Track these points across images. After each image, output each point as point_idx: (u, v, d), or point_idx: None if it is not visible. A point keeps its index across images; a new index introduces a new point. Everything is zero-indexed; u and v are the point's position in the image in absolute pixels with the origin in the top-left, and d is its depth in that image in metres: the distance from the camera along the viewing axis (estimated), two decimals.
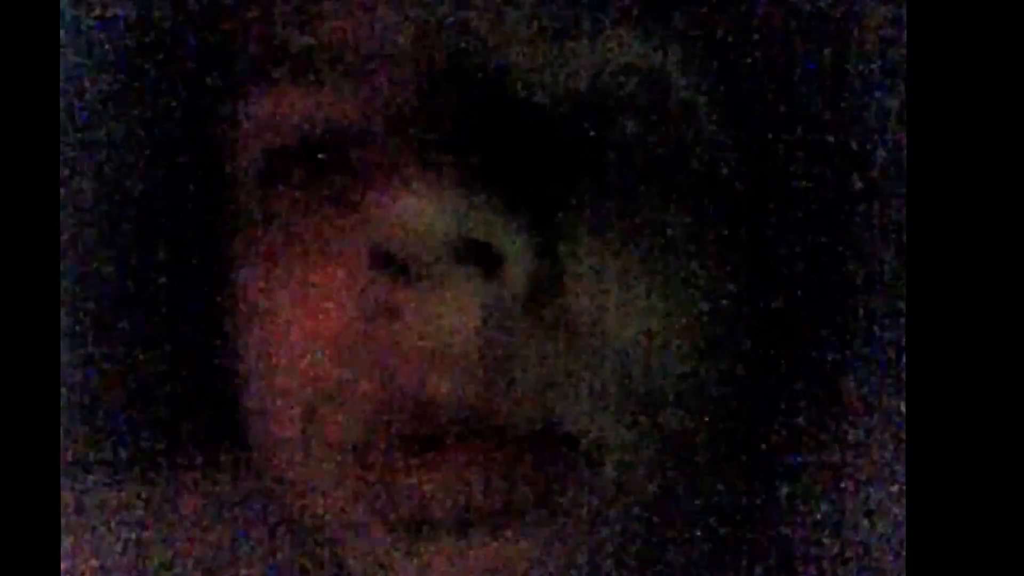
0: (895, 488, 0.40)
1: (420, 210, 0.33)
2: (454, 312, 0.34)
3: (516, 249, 0.34)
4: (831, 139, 0.40)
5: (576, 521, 0.36)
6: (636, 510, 0.37)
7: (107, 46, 0.40)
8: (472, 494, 0.35)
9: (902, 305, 0.37)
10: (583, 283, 0.36)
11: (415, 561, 0.36)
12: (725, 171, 0.38)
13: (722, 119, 0.38)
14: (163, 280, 0.42)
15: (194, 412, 0.43)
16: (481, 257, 0.34)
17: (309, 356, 0.37)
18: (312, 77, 0.37)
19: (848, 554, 0.40)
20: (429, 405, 0.35)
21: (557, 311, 0.36)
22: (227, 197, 0.40)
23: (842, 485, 0.40)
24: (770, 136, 0.40)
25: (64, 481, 0.41)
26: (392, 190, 0.34)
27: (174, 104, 0.41)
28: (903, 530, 0.34)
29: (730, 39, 0.38)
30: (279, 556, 0.42)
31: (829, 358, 0.41)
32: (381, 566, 0.37)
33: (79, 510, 0.43)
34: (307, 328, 0.37)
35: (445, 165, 0.34)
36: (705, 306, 0.37)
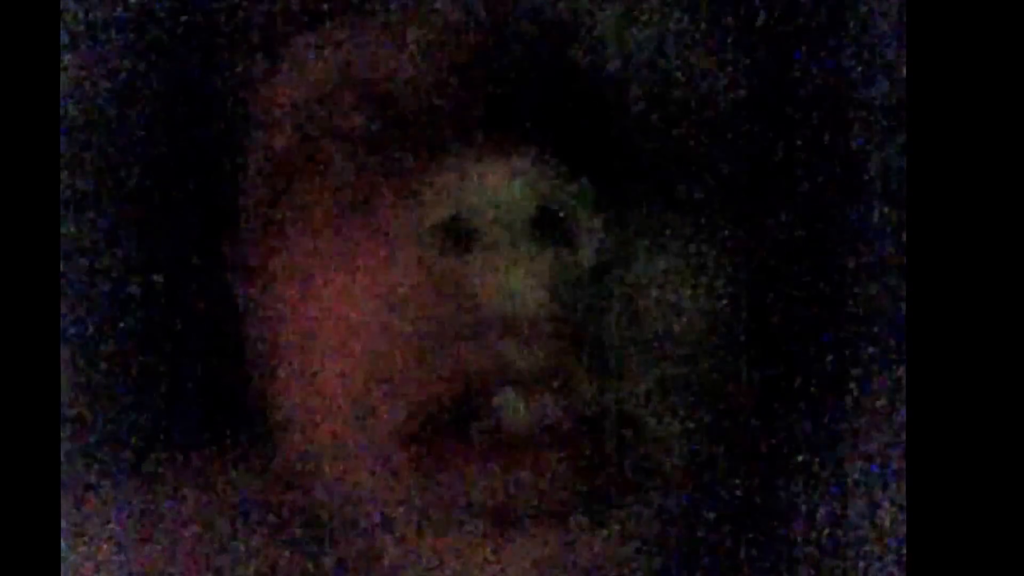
0: (895, 488, 0.40)
1: (496, 180, 0.33)
2: (525, 283, 0.34)
3: (588, 220, 0.34)
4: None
5: (636, 516, 0.36)
6: (690, 501, 0.37)
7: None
8: (538, 488, 0.35)
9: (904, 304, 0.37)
10: (651, 258, 0.36)
11: (478, 551, 0.35)
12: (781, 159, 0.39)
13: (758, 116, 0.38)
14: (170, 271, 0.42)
15: (200, 409, 0.43)
16: (554, 227, 0.34)
17: (360, 339, 0.36)
18: (360, 18, 0.37)
19: (848, 554, 0.40)
20: (493, 376, 0.35)
21: (625, 285, 0.35)
22: (261, 172, 0.39)
23: (842, 486, 0.40)
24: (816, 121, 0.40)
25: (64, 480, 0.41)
26: (465, 160, 0.33)
27: (202, 65, 0.41)
28: (903, 530, 0.34)
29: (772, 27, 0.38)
30: (285, 555, 0.42)
31: (832, 356, 0.41)
32: (462, 557, 0.36)
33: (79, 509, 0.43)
34: (360, 308, 0.36)
35: (516, 135, 0.34)
36: (759, 298, 0.37)
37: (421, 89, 0.37)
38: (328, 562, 0.40)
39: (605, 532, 0.36)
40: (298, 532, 0.42)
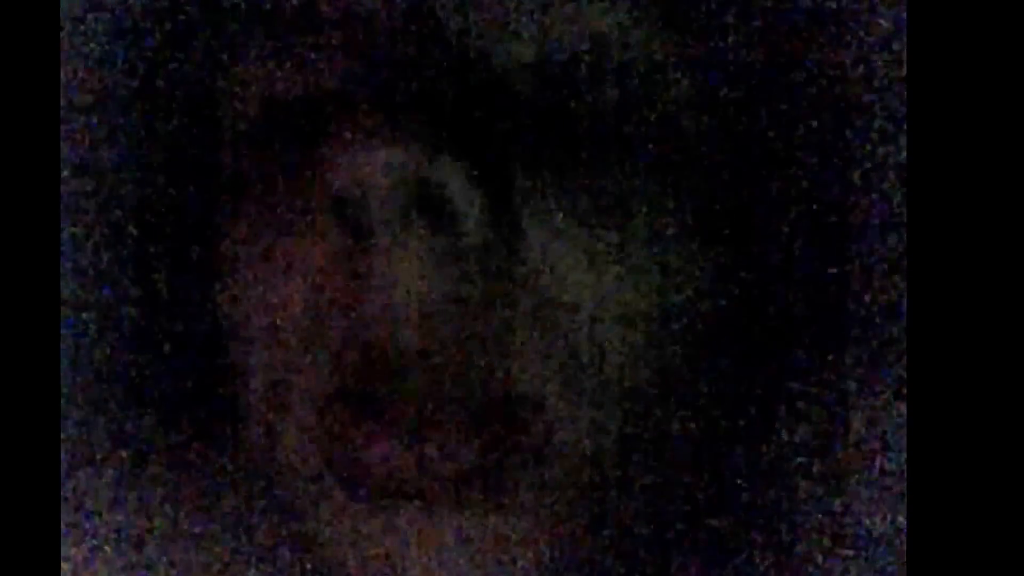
0: (895, 488, 0.40)
1: (374, 159, 0.34)
2: (411, 264, 0.35)
3: (469, 196, 0.35)
4: (810, 105, 0.40)
5: (543, 491, 0.36)
6: (596, 478, 0.37)
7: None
8: (439, 462, 0.35)
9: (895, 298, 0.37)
10: (543, 245, 0.36)
11: (389, 532, 0.36)
12: (695, 143, 0.38)
13: (692, 87, 0.38)
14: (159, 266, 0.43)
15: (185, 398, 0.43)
16: (436, 209, 0.34)
17: (278, 320, 0.37)
18: (290, 42, 0.37)
19: (848, 554, 0.40)
20: (389, 359, 0.35)
21: (515, 270, 0.36)
22: (214, 169, 0.40)
23: (843, 486, 0.40)
24: (744, 107, 0.39)
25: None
26: (349, 142, 0.34)
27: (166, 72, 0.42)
28: (903, 531, 0.34)
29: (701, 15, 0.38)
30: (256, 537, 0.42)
31: (817, 349, 0.41)
32: (353, 537, 0.37)
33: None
34: (278, 292, 0.37)
35: (401, 118, 0.34)
36: (666, 280, 0.37)
37: (308, 79, 0.38)
38: (268, 540, 0.41)
39: (508, 510, 0.36)
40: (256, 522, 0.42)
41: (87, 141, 0.42)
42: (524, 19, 0.36)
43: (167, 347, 0.43)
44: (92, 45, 0.41)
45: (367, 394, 0.36)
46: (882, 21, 0.39)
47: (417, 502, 0.36)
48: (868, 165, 0.40)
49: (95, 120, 0.42)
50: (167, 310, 0.43)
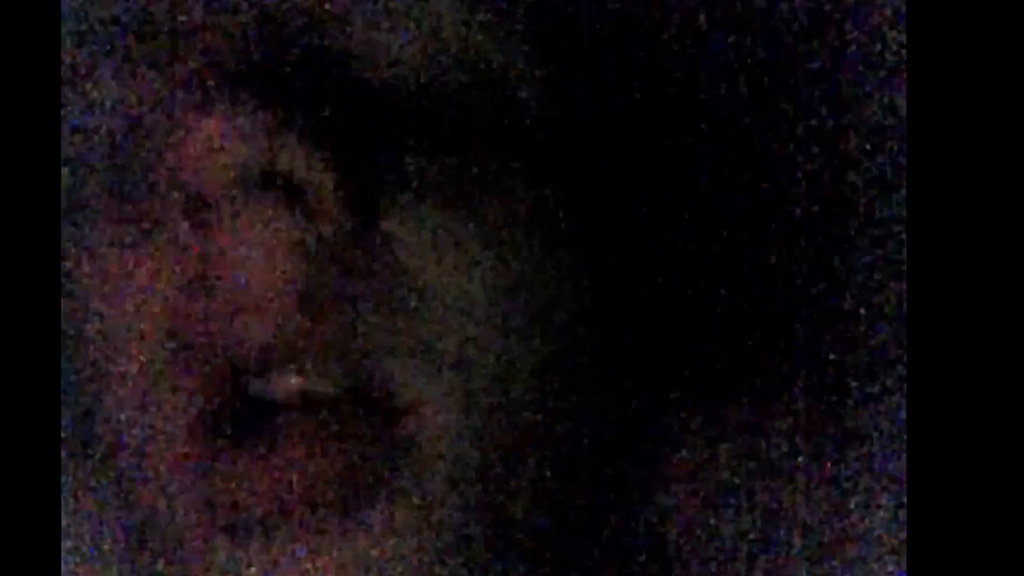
0: (895, 487, 0.40)
1: (210, 142, 0.33)
2: (261, 248, 0.34)
3: (323, 183, 0.34)
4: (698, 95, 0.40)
5: (410, 504, 0.35)
6: (462, 481, 0.35)
7: None
8: (308, 489, 0.34)
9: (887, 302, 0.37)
10: (403, 234, 0.35)
11: (256, 566, 0.35)
12: (559, 130, 0.37)
13: (549, 87, 0.37)
14: None
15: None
16: (287, 191, 0.34)
17: (136, 327, 0.35)
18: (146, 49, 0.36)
19: (848, 553, 0.40)
20: (244, 354, 0.34)
21: (374, 259, 0.35)
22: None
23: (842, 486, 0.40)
24: (606, 106, 0.39)
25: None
26: (185, 128, 0.33)
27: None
28: (903, 531, 0.34)
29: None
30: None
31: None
32: (218, 563, 0.35)
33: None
34: (135, 296, 0.35)
35: (249, 99, 0.33)
36: (531, 277, 0.36)
37: (162, 60, 0.36)
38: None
39: (381, 521, 0.35)
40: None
41: None
42: (378, 2, 0.36)
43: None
44: None
45: (224, 404, 0.35)
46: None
47: (283, 526, 0.34)
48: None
49: None
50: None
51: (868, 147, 0.40)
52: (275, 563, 0.34)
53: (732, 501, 0.40)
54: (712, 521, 0.40)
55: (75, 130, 0.37)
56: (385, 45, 0.36)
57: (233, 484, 0.34)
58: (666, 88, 0.39)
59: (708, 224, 0.40)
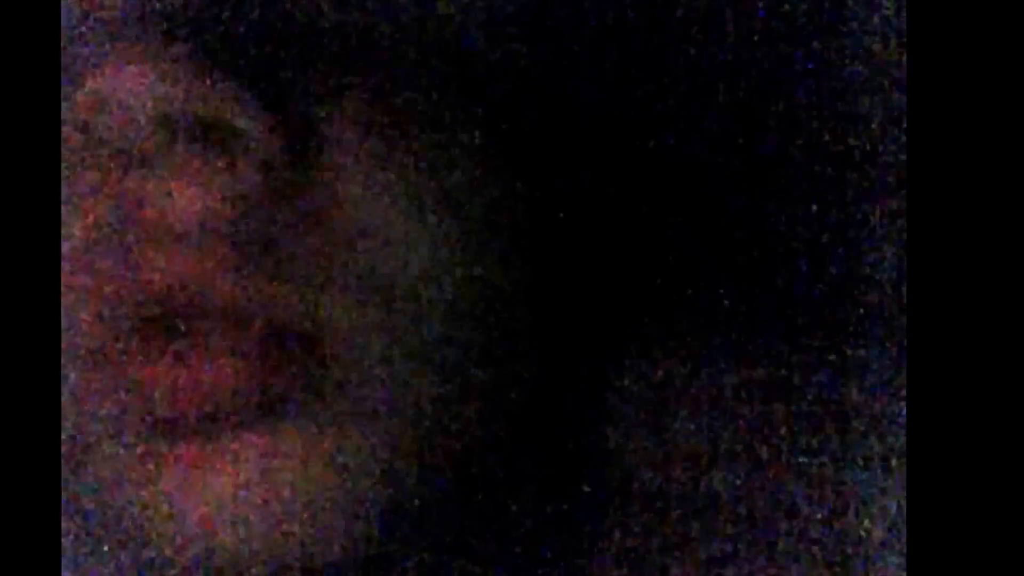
0: (895, 486, 0.40)
1: (124, 84, 0.32)
2: (189, 194, 0.33)
3: (251, 128, 0.33)
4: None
5: (326, 418, 0.35)
6: (377, 416, 0.35)
7: None
8: (219, 391, 0.34)
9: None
10: (337, 176, 0.34)
11: (162, 467, 0.35)
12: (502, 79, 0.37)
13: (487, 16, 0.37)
14: None
15: None
16: (214, 137, 0.33)
17: (67, 262, 0.35)
18: None
19: (848, 554, 0.40)
20: (170, 291, 0.34)
21: (307, 201, 0.34)
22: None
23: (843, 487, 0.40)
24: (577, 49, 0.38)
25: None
26: (103, 69, 0.33)
27: None
28: (903, 532, 0.34)
29: None
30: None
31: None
32: (130, 472, 0.35)
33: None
34: (69, 236, 0.35)
35: (166, 42, 0.33)
36: (471, 215, 0.36)
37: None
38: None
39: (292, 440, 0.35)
40: None
41: None
42: None
43: None
44: None
45: (146, 325, 0.34)
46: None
47: (197, 436, 0.34)
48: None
49: None
50: None
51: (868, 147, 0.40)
52: (181, 470, 0.34)
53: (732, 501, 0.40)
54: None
55: None
56: None
57: (145, 390, 0.34)
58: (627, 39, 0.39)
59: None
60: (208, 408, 0.34)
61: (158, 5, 0.34)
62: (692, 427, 0.38)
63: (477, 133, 0.36)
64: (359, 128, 0.35)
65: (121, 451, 0.35)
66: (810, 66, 0.39)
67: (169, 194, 0.33)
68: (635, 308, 0.40)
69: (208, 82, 0.33)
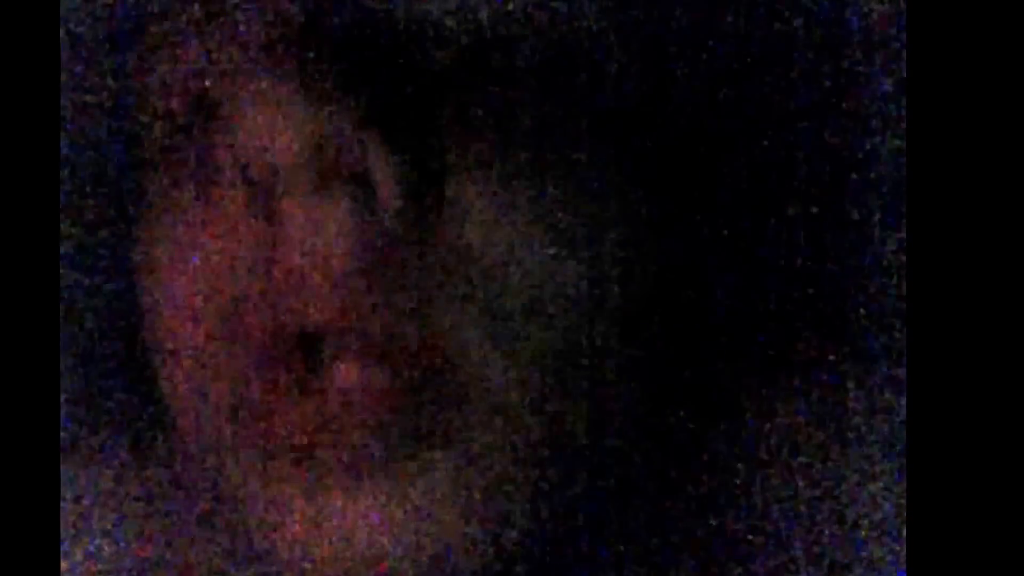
0: (895, 490, 0.40)
1: (274, 123, 0.33)
2: (327, 229, 0.34)
3: (384, 164, 0.34)
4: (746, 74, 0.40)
5: (468, 456, 0.35)
6: (522, 443, 0.36)
7: None
8: (363, 433, 0.34)
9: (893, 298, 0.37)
10: (467, 211, 0.35)
11: (312, 504, 0.35)
12: (633, 115, 0.37)
13: (630, 58, 0.37)
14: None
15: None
16: (350, 172, 0.34)
17: (199, 293, 0.36)
18: (204, 29, 0.36)
19: (848, 557, 0.40)
20: (310, 329, 0.34)
21: (439, 236, 0.35)
22: (138, 161, 0.39)
23: (842, 488, 0.40)
24: (685, 76, 0.39)
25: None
26: (248, 109, 0.33)
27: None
28: (903, 532, 0.34)
29: None
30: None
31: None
32: (277, 510, 0.36)
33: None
34: (199, 266, 0.36)
35: (314, 85, 0.33)
36: (596, 252, 0.36)
37: (220, 50, 0.36)
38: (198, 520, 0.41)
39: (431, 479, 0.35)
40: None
41: None
42: None
43: (83, 335, 0.42)
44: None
45: (285, 367, 0.35)
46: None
47: (337, 466, 0.35)
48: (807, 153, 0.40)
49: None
50: (83, 298, 0.42)
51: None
52: (316, 502, 0.35)
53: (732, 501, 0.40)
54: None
55: (137, 101, 0.38)
56: (441, 17, 0.36)
57: (280, 423, 0.35)
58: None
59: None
60: (355, 442, 0.34)
61: (291, 43, 0.34)
62: (692, 427, 0.38)
63: (605, 168, 0.36)
64: (483, 166, 0.35)
65: (269, 486, 0.36)
66: (810, 66, 0.40)
67: (313, 231, 0.34)
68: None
69: (348, 125, 0.33)
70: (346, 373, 0.35)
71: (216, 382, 0.36)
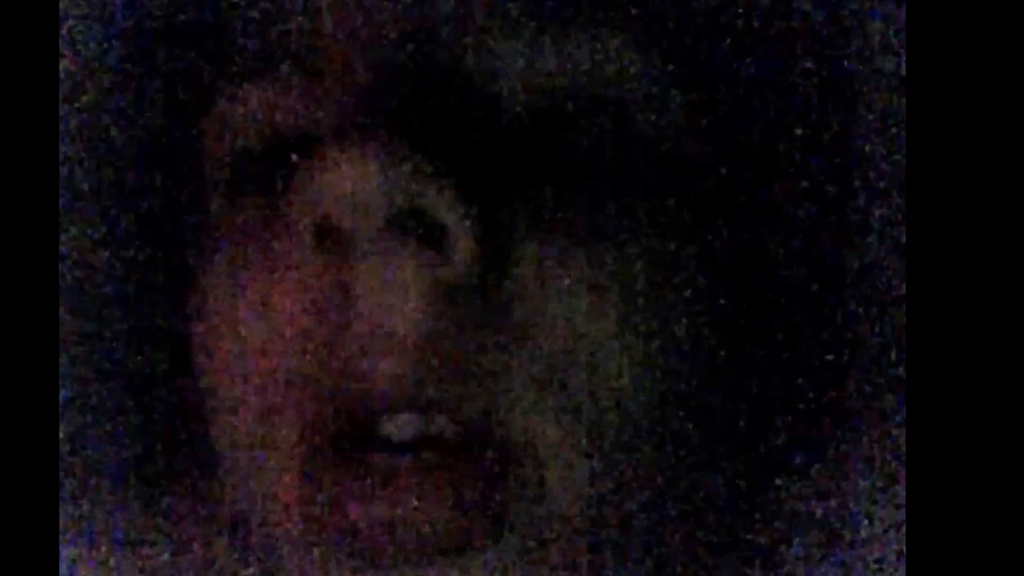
0: (895, 489, 0.40)
1: (354, 178, 0.33)
2: (397, 287, 0.33)
3: (459, 221, 0.33)
4: (807, 134, 0.40)
5: (530, 538, 0.35)
6: (582, 521, 0.35)
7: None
8: (425, 521, 0.34)
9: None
10: (534, 271, 0.34)
11: None
12: (696, 177, 0.37)
13: (693, 120, 0.37)
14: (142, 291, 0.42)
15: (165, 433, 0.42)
16: (423, 228, 0.33)
17: (262, 352, 0.35)
18: (273, 77, 0.37)
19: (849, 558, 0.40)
20: (372, 391, 0.34)
21: (505, 297, 0.34)
22: (197, 206, 0.39)
23: (842, 487, 0.40)
24: (742, 137, 0.39)
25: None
26: (328, 162, 0.33)
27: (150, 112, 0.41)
28: (903, 532, 0.34)
29: (696, 38, 0.37)
30: None
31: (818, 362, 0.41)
32: None
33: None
34: (262, 323, 0.35)
35: (385, 136, 0.33)
36: (663, 313, 0.36)
37: (296, 105, 0.36)
38: None
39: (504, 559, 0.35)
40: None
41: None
42: (517, 44, 0.35)
43: (145, 384, 0.42)
44: (93, 75, 0.41)
45: (352, 435, 0.34)
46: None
47: (408, 560, 0.34)
48: (870, 170, 0.40)
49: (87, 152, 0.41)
50: (148, 346, 0.42)
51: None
52: None
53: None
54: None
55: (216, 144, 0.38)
56: (520, 79, 0.36)
57: (342, 514, 0.34)
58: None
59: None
60: (409, 542, 0.34)
61: (371, 98, 0.34)
62: (691, 427, 0.38)
63: (667, 233, 0.36)
64: (551, 227, 0.35)
65: (313, 570, 0.35)
66: (810, 65, 0.40)
67: (380, 287, 0.33)
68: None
69: (422, 177, 0.33)
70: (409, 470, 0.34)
71: (273, 449, 0.35)
